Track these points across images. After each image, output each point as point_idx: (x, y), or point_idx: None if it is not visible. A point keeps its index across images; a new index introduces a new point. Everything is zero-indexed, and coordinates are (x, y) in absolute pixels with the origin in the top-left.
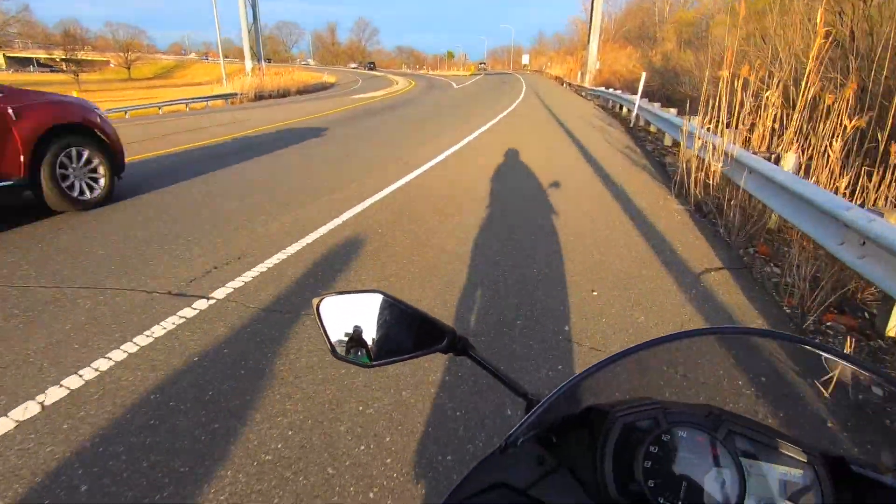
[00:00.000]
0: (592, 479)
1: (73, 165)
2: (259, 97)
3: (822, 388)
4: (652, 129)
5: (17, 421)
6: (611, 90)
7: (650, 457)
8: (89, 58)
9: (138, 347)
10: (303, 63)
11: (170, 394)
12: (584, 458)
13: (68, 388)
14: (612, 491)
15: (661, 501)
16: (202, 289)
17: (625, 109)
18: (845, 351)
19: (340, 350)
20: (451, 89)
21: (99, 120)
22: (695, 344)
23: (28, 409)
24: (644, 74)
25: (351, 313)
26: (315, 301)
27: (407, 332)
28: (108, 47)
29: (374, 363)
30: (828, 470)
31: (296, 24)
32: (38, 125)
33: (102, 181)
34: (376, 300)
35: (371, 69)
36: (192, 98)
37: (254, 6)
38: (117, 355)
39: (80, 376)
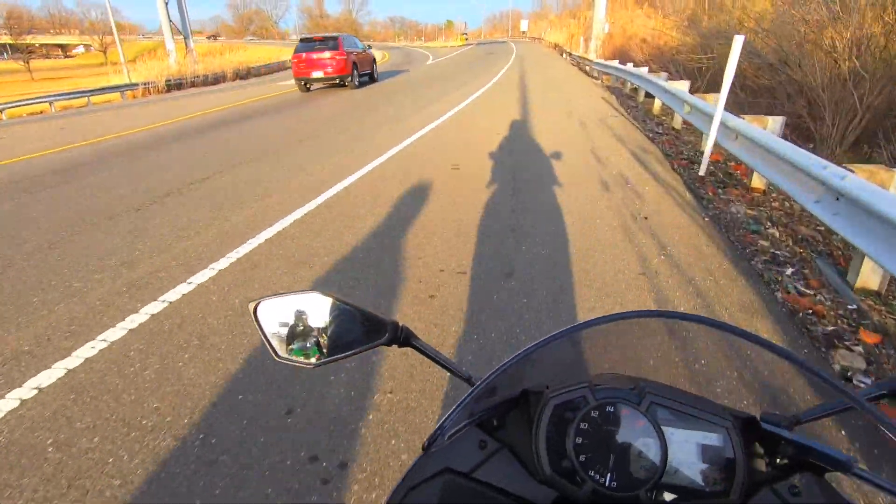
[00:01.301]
0: (531, 459)
1: None
2: (178, 86)
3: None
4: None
5: None
6: (630, 67)
7: (581, 433)
8: (58, 41)
9: None
10: (287, 39)
11: None
12: (524, 438)
13: None
14: (547, 468)
15: (591, 474)
16: None
17: (656, 103)
18: None
19: (281, 351)
20: (419, 67)
21: None
22: (625, 325)
23: None
24: (739, 41)
25: (289, 314)
26: (251, 305)
27: (348, 329)
28: (93, 29)
29: (317, 363)
30: (741, 430)
31: None
32: None
33: None
34: (314, 299)
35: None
36: (69, 93)
37: None
38: None
39: None
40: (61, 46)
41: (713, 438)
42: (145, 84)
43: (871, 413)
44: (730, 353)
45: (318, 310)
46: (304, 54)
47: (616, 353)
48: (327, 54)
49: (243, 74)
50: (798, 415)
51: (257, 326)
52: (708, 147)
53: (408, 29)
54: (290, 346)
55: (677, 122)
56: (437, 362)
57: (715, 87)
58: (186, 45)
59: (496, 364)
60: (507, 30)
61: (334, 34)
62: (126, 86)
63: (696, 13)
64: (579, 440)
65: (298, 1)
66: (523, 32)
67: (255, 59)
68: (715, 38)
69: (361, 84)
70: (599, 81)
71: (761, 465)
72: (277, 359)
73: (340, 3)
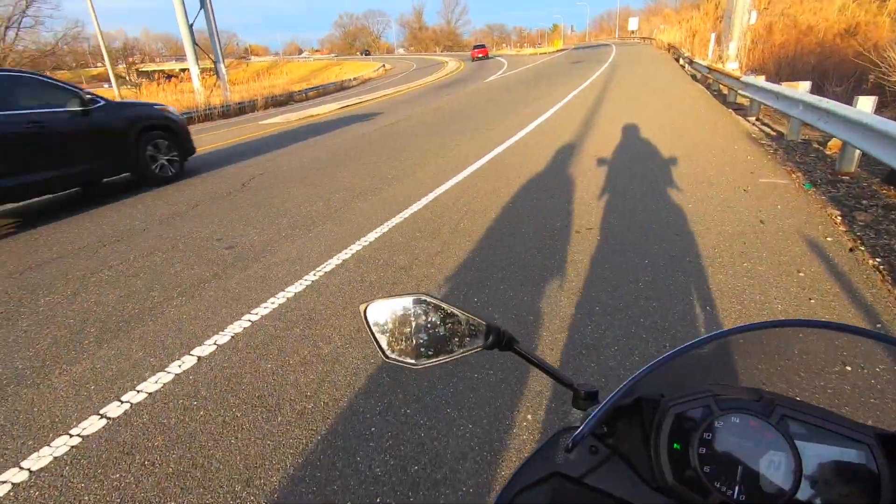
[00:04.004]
0: (647, 467)
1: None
2: (188, 120)
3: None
4: None
5: None
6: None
7: (704, 443)
8: (162, 67)
9: None
10: (391, 53)
11: None
12: (637, 446)
13: None
14: (669, 477)
15: (718, 486)
16: None
17: None
18: None
19: (389, 352)
20: (466, 87)
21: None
22: (745, 337)
23: None
24: None
25: (397, 316)
26: (362, 307)
27: (452, 331)
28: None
29: (421, 364)
30: (883, 447)
31: (382, 12)
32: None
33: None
34: (420, 302)
35: (367, 54)
36: None
37: None
38: None
39: None
40: (164, 72)
41: (853, 455)
42: None
43: None
44: (861, 361)
45: (423, 312)
46: None
47: (733, 363)
48: None
49: (282, 100)
50: None
51: (367, 327)
52: None
53: (508, 35)
54: (398, 347)
55: None
56: (541, 368)
57: None
58: (216, 70)
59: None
60: (613, 30)
61: None
62: None
63: None
64: (703, 450)
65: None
66: (632, 32)
67: (283, 87)
68: None
69: None
70: (752, 119)
71: None
72: (385, 359)
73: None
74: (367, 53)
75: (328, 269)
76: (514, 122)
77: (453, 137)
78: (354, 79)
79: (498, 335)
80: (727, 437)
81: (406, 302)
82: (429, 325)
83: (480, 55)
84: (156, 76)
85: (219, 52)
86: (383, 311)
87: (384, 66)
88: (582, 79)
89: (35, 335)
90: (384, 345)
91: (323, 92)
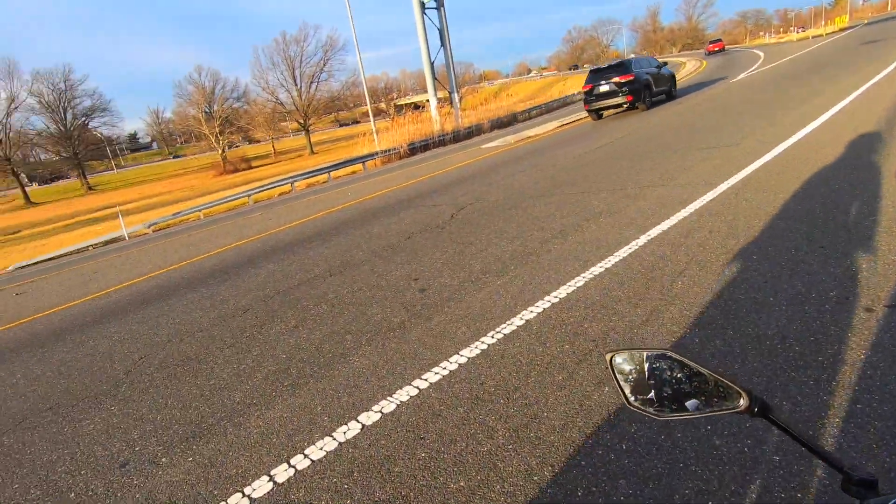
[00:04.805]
0: None
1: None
2: (423, 147)
3: None
4: None
5: None
6: None
7: None
8: (414, 100)
9: None
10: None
11: None
12: None
13: None
14: None
15: None
16: None
17: None
18: None
19: (632, 399)
20: (704, 92)
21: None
22: None
23: None
24: None
25: (642, 368)
26: (608, 356)
27: (697, 390)
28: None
29: (663, 416)
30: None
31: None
32: None
33: None
34: (664, 358)
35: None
36: (311, 171)
37: (442, 28)
38: None
39: None
40: (413, 104)
41: None
42: (385, 152)
43: None
44: None
45: (669, 368)
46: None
47: None
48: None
49: (505, 121)
50: None
51: (612, 374)
52: None
53: (768, 20)
54: (642, 397)
55: None
56: (803, 443)
57: None
58: (451, 100)
59: None
60: None
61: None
62: (365, 157)
63: None
64: None
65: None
66: None
67: (548, 95)
68: None
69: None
70: None
71: None
72: (629, 406)
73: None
74: (576, 67)
75: (508, 330)
76: (766, 136)
77: (682, 157)
78: (578, 93)
79: (751, 400)
80: None
81: (651, 355)
82: (673, 381)
83: (717, 49)
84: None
85: (453, 83)
86: (628, 361)
87: None
88: (874, 68)
89: (257, 366)
90: (628, 392)
91: (546, 110)
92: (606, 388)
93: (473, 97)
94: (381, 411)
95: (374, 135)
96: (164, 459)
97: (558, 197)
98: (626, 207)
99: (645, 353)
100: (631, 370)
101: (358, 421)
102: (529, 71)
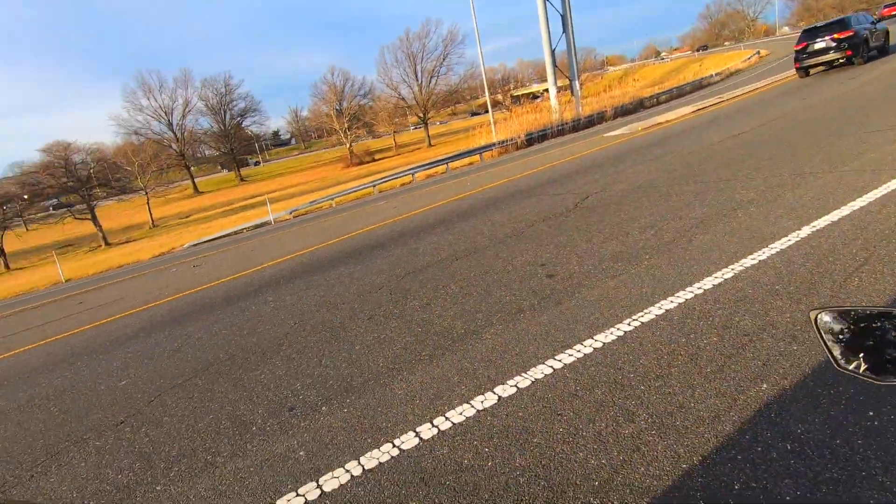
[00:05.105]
0: None
1: None
2: (541, 137)
3: None
4: None
5: None
6: None
7: None
8: (541, 88)
9: None
10: (769, 36)
11: None
12: None
13: None
14: None
15: None
16: None
17: None
18: None
19: (843, 362)
20: (872, 71)
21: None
22: None
23: None
24: None
25: (857, 327)
26: (812, 314)
27: None
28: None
29: (887, 381)
30: None
31: None
32: None
33: None
34: (891, 318)
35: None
36: (432, 162)
37: (564, 14)
38: None
39: None
40: (531, 93)
41: None
42: (502, 143)
43: None
44: None
45: (894, 327)
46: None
47: None
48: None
49: (630, 108)
50: None
51: (818, 334)
52: None
53: None
54: (855, 360)
55: None
56: None
57: None
58: (571, 88)
59: None
60: None
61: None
62: (482, 148)
63: None
64: None
65: None
66: None
67: (679, 78)
68: None
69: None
70: None
71: None
72: (839, 368)
73: None
74: (705, 48)
75: (646, 318)
76: None
77: (839, 140)
78: (717, 74)
79: None
80: None
81: (871, 313)
82: None
83: (894, 13)
84: (520, 99)
85: (574, 70)
86: (839, 320)
87: (758, 52)
88: None
89: (396, 337)
90: (837, 354)
91: (677, 94)
92: (765, 385)
93: (595, 84)
94: (516, 385)
95: (492, 125)
96: (323, 408)
97: (695, 185)
98: (777, 196)
99: (861, 311)
100: (842, 329)
101: (494, 392)
102: (658, 53)
